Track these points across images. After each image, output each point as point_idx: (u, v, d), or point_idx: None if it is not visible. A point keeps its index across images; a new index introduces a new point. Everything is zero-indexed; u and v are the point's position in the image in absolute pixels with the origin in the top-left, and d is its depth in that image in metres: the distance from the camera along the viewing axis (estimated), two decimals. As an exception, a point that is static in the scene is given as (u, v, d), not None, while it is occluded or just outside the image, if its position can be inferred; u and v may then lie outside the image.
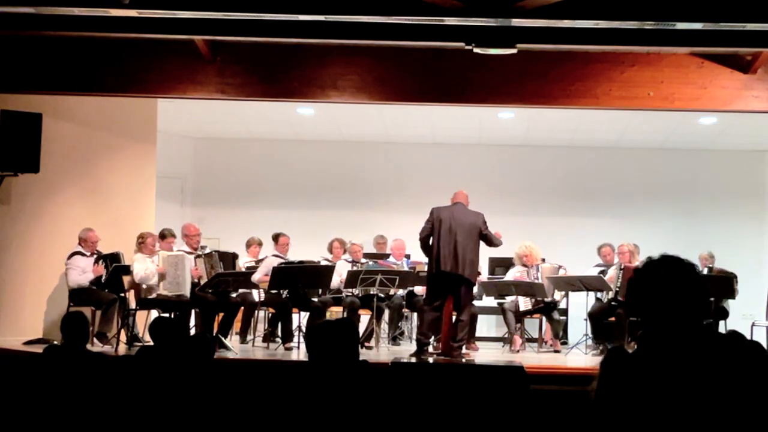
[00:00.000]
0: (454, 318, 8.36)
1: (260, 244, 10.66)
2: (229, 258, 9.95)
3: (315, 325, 7.64)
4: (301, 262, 9.58)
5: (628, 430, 2.10)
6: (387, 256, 10.64)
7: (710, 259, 10.48)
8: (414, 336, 10.25)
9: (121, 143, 10.32)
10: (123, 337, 8.65)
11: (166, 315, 8.23)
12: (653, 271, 2.37)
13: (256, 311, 9.90)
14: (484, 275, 10.78)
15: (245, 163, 13.44)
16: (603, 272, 9.52)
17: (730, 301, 9.62)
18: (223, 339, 8.65)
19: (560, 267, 9.79)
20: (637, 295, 2.39)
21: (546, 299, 9.55)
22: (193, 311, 8.99)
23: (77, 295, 8.91)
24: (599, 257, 9.93)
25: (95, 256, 9.11)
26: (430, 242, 8.36)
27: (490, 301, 10.55)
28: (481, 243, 8.45)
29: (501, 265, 11.24)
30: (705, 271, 10.10)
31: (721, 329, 8.98)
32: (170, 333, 5.74)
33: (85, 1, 6.78)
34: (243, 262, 10.26)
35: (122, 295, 8.90)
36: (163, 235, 9.19)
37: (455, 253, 8.17)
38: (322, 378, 3.61)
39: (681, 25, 6.99)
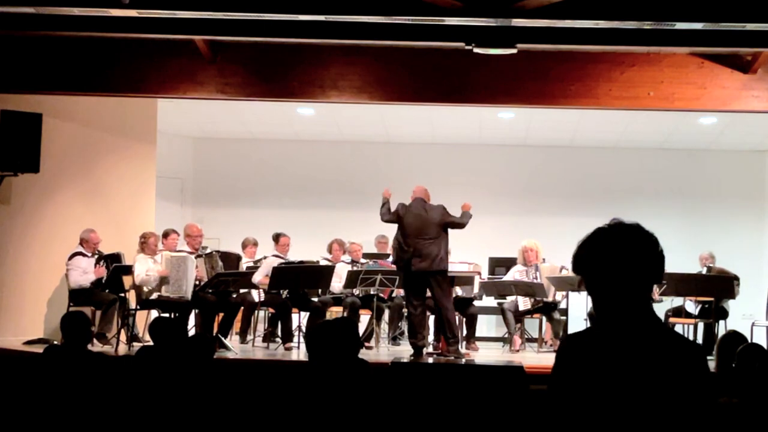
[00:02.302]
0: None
1: (255, 244, 10.65)
2: (233, 259, 9.94)
3: (315, 325, 7.64)
4: (301, 262, 9.58)
5: (578, 418, 2.05)
6: (387, 256, 10.64)
7: (710, 258, 10.44)
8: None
9: (121, 143, 10.32)
10: (123, 337, 8.65)
11: (166, 315, 8.24)
12: (607, 238, 2.16)
13: (256, 311, 9.89)
14: (484, 275, 10.79)
15: (245, 163, 13.44)
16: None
17: (730, 301, 9.61)
18: (223, 339, 8.65)
19: (563, 268, 9.78)
20: (588, 266, 2.16)
21: (546, 299, 9.55)
22: (193, 311, 8.99)
23: (77, 295, 8.91)
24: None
25: (96, 256, 9.11)
26: (394, 240, 8.49)
27: (490, 301, 10.55)
28: (460, 233, 8.48)
29: (501, 265, 11.24)
30: (704, 271, 10.09)
31: (722, 329, 8.98)
32: (169, 333, 5.74)
33: (85, 1, 6.79)
34: (242, 263, 10.25)
35: (122, 295, 8.89)
36: (166, 234, 9.20)
37: (420, 251, 8.18)
38: (322, 378, 3.61)
39: (681, 25, 6.99)
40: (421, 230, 8.25)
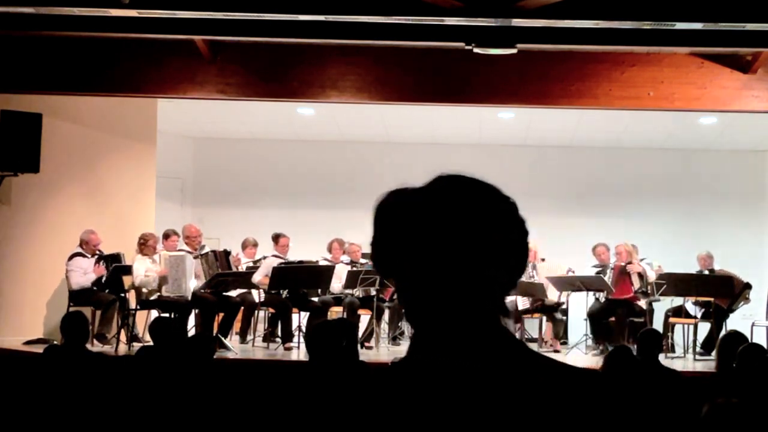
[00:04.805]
0: None
1: (255, 244, 10.63)
2: (222, 256, 9.89)
3: (313, 325, 7.63)
4: (300, 262, 9.58)
5: None
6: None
7: (709, 258, 10.02)
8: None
9: (121, 143, 10.31)
10: (123, 337, 8.65)
11: (166, 315, 8.24)
12: (428, 204, 1.22)
13: (256, 311, 9.89)
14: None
15: (245, 163, 13.43)
16: (601, 272, 9.51)
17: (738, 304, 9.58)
18: (223, 339, 8.65)
19: (570, 270, 9.78)
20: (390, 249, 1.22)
21: (545, 299, 9.55)
22: (193, 311, 8.99)
23: (78, 295, 8.91)
24: (594, 257, 9.89)
25: (96, 256, 9.11)
26: None
27: (489, 301, 10.52)
28: None
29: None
30: (705, 273, 9.99)
31: (722, 330, 8.98)
32: (170, 333, 5.74)
33: (85, 1, 6.79)
34: (232, 257, 10.22)
35: (123, 295, 8.89)
36: (167, 235, 9.20)
37: None
38: (322, 378, 3.61)
39: (681, 25, 7.00)
40: None
